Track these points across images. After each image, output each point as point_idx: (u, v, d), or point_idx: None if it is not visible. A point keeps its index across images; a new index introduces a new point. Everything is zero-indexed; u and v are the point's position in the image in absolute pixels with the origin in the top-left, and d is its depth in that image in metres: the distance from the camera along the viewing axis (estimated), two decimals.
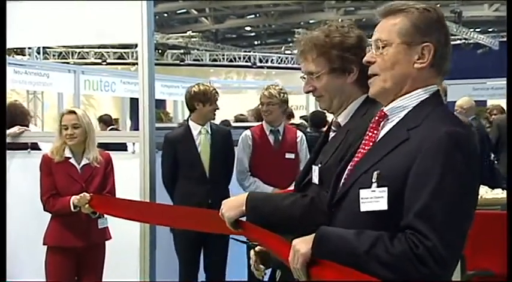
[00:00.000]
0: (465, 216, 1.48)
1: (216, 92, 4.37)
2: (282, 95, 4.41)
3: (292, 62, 19.50)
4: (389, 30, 1.63)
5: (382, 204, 1.52)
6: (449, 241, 1.43)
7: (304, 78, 2.07)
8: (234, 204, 1.96)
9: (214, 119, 4.56)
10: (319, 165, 1.97)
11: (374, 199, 1.54)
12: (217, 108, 4.38)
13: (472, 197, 1.52)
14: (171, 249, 4.33)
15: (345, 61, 1.98)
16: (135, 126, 11.74)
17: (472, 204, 1.52)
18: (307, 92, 2.08)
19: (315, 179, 1.99)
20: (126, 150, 6.39)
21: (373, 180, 1.55)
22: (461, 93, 10.43)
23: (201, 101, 4.27)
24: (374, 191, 1.54)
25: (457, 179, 1.45)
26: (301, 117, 9.65)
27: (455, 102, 6.77)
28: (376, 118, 1.69)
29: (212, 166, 4.30)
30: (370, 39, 1.79)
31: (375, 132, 1.68)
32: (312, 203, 1.89)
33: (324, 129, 2.32)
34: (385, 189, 1.52)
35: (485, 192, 3.77)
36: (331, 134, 2.09)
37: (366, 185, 1.56)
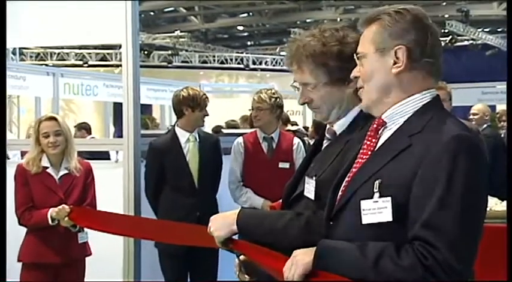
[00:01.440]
0: (476, 225, 1.50)
1: (206, 97, 4.37)
2: (273, 99, 4.41)
3: None
4: (364, 41, 1.70)
5: (386, 215, 1.53)
6: (460, 252, 1.44)
7: (297, 87, 2.06)
8: (224, 223, 1.96)
9: (203, 125, 4.56)
10: (315, 178, 1.96)
11: (377, 210, 1.54)
12: (207, 114, 4.38)
13: (482, 204, 1.54)
14: (157, 265, 4.32)
15: (344, 71, 1.95)
16: (118, 133, 11.71)
17: (482, 212, 1.53)
18: (303, 104, 2.07)
19: (309, 193, 1.97)
20: (108, 159, 6.39)
21: (375, 190, 1.56)
22: (468, 98, 10.50)
23: (190, 106, 4.27)
24: (376, 201, 1.55)
25: (466, 185, 1.47)
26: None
27: (465, 107, 6.86)
28: (374, 126, 1.71)
29: (201, 176, 4.30)
30: None
31: (373, 140, 1.70)
32: (307, 223, 1.88)
33: None
34: (389, 199, 1.53)
35: (494, 204, 3.78)
36: (325, 143, 2.09)
37: (367, 196, 1.57)
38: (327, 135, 2.08)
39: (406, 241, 1.49)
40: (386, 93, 1.67)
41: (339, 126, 2.05)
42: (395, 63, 1.64)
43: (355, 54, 1.73)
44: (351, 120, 2.04)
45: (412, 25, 1.65)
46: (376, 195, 1.55)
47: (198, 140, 4.36)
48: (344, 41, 2.00)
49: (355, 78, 1.74)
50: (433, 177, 1.48)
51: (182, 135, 4.33)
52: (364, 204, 1.57)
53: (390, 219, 1.52)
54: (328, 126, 2.10)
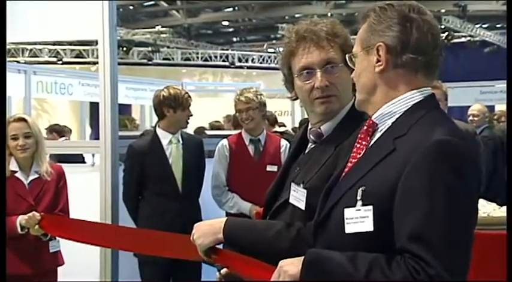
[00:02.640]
0: (464, 233, 1.50)
1: (189, 96, 4.36)
2: (259, 97, 4.43)
3: (275, 62, 19.57)
4: (356, 40, 1.74)
5: (367, 225, 1.54)
6: (452, 265, 1.44)
7: (311, 70, 2.00)
8: (208, 230, 1.94)
9: (186, 127, 4.56)
10: (302, 185, 1.95)
11: (359, 219, 1.55)
12: (191, 115, 4.37)
13: (469, 212, 1.53)
14: (137, 275, 4.30)
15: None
16: (95, 135, 11.67)
17: (470, 221, 1.53)
18: (324, 87, 1.99)
19: (297, 202, 1.96)
20: (84, 162, 6.35)
21: (358, 198, 1.56)
22: (465, 98, 10.55)
23: (172, 106, 4.26)
24: (359, 209, 1.56)
25: (449, 194, 1.46)
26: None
27: (462, 107, 6.90)
28: (365, 127, 1.71)
29: (185, 180, 4.29)
30: (354, 37, 1.83)
31: (364, 143, 1.70)
32: (298, 236, 1.86)
33: None
34: (370, 207, 1.54)
35: (492, 210, 3.80)
36: (310, 145, 2.08)
37: (351, 204, 1.58)
38: (311, 137, 2.06)
39: (390, 251, 1.49)
40: (373, 93, 1.69)
41: (327, 128, 2.04)
42: (378, 61, 1.66)
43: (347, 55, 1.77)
44: (338, 122, 2.03)
45: (395, 21, 1.65)
46: (359, 203, 1.56)
47: (181, 141, 4.35)
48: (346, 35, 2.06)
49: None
50: (415, 186, 1.48)
51: (164, 137, 4.31)
52: (348, 212, 1.58)
53: (371, 229, 1.53)
54: (310, 126, 2.09)
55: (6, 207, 3.57)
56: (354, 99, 2.04)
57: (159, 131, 4.34)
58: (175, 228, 3.06)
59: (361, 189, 1.57)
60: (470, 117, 7.06)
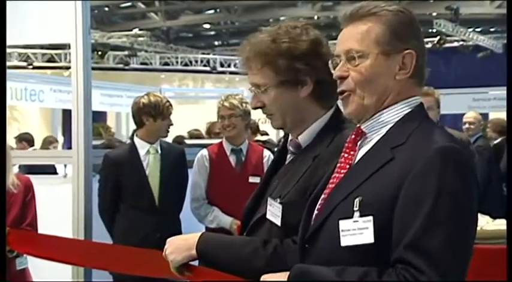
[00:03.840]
0: (464, 245, 1.51)
1: (170, 104, 4.37)
2: (244, 105, 4.44)
3: None
4: (362, 38, 1.67)
5: (368, 237, 1.53)
6: (447, 275, 1.45)
7: (252, 91, 2.06)
8: (182, 245, 1.94)
9: (166, 136, 4.55)
10: (279, 200, 1.95)
11: (357, 231, 1.54)
12: (171, 124, 4.37)
13: (471, 223, 1.55)
14: None
15: (295, 72, 1.97)
16: (67, 145, 11.59)
17: (471, 232, 1.55)
18: (255, 108, 2.07)
19: (273, 217, 1.96)
20: (55, 173, 6.31)
21: (355, 209, 1.56)
22: (458, 105, 10.63)
23: (152, 115, 4.26)
24: (357, 221, 1.55)
25: (453, 203, 1.48)
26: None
27: (455, 115, 6.93)
28: (353, 136, 1.72)
29: (162, 193, 4.29)
30: (333, 41, 1.82)
31: (352, 153, 1.71)
32: (274, 254, 1.87)
33: None
34: (370, 218, 1.53)
35: (486, 223, 3.83)
36: (289, 157, 2.09)
37: (347, 215, 1.57)
38: (290, 148, 2.08)
39: (389, 265, 1.49)
40: (382, 100, 1.68)
41: (304, 139, 2.05)
42: (400, 68, 1.66)
43: (344, 52, 1.69)
44: (317, 131, 2.04)
45: (414, 28, 1.70)
46: (356, 214, 1.55)
47: (159, 152, 4.34)
48: (297, 39, 2.00)
49: (340, 79, 1.70)
50: (417, 195, 1.49)
51: (142, 147, 4.31)
52: (343, 224, 1.57)
53: (372, 240, 1.53)
54: (290, 137, 2.10)
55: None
56: (336, 107, 2.06)
57: (136, 141, 4.33)
58: (152, 244, 3.05)
59: (358, 199, 1.56)
60: (467, 125, 7.07)
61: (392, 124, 1.66)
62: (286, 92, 2.00)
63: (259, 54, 1.99)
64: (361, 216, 1.55)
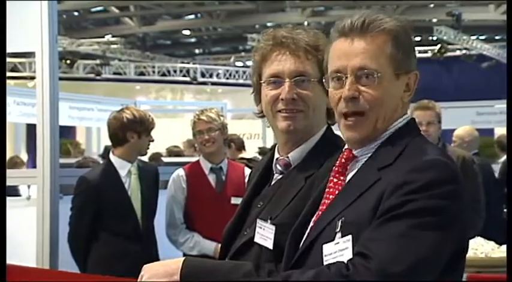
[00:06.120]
0: (413, 260, 1.50)
1: (153, 119, 4.36)
2: (221, 118, 4.45)
3: (244, 77, 19.69)
4: (377, 55, 1.68)
5: (347, 256, 1.56)
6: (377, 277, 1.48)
7: (272, 83, 2.04)
8: (162, 271, 1.91)
9: (146, 153, 4.54)
10: (270, 221, 1.95)
11: (338, 253, 1.58)
12: (152, 140, 4.36)
13: (436, 241, 1.54)
14: None
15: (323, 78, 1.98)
16: (32, 163, 11.53)
17: (435, 250, 1.54)
18: (291, 100, 2.02)
19: (263, 240, 1.96)
20: (18, 195, 6.26)
21: (337, 230, 1.60)
22: (461, 119, 10.64)
23: (137, 131, 4.23)
24: (338, 243, 1.59)
25: (415, 219, 1.51)
26: (259, 148, 9.64)
27: (453, 131, 6.91)
28: (343, 161, 1.74)
29: (145, 217, 4.29)
30: None
31: (341, 178, 1.73)
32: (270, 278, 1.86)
33: None
34: (349, 237, 1.57)
35: (491, 250, 3.83)
36: (276, 176, 2.09)
37: (330, 238, 1.61)
38: (278, 167, 2.08)
39: None
40: (389, 121, 1.71)
41: (295, 157, 2.05)
42: (407, 90, 1.72)
43: (358, 69, 1.69)
44: (308, 150, 2.05)
45: (413, 41, 1.76)
46: (338, 235, 1.60)
47: (138, 172, 4.32)
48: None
49: (352, 99, 1.69)
50: (391, 204, 1.53)
51: (121, 167, 4.27)
52: (326, 248, 1.61)
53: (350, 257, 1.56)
54: (277, 155, 2.10)
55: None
56: (328, 126, 2.08)
57: (114, 159, 4.28)
58: (137, 273, 3.04)
59: (340, 220, 1.60)
60: (460, 142, 6.92)
61: (380, 143, 1.69)
62: (321, 94, 2.01)
63: (316, 48, 2.04)
64: (342, 236, 1.59)
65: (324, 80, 1.80)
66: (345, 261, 1.53)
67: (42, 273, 3.16)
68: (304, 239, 1.72)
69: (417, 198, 1.52)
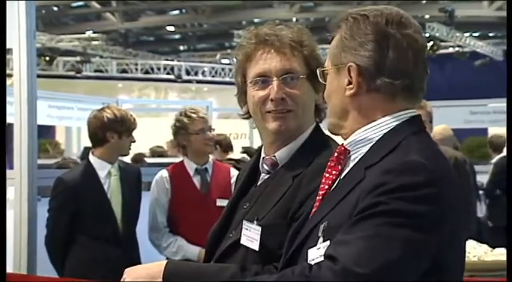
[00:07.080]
0: (379, 262, 1.49)
1: (135, 119, 4.36)
2: (206, 116, 4.48)
3: (230, 75, 19.68)
4: (328, 55, 1.76)
5: None
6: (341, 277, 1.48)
7: (259, 83, 2.05)
8: (144, 275, 1.93)
9: (128, 154, 4.53)
10: (256, 222, 1.96)
11: (320, 258, 1.57)
12: (134, 141, 4.35)
13: (408, 246, 1.52)
14: None
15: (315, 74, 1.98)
16: (9, 164, 11.50)
17: (404, 255, 1.52)
18: (280, 99, 2.02)
19: (249, 242, 1.97)
20: None
21: (319, 235, 1.61)
22: (454, 119, 10.69)
23: (118, 131, 4.22)
24: (319, 248, 1.59)
25: (384, 221, 1.50)
26: (243, 148, 9.65)
27: (454, 130, 6.93)
28: (336, 155, 1.74)
29: (126, 220, 4.29)
30: (326, 46, 1.85)
31: (334, 172, 1.73)
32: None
33: None
34: (328, 242, 1.57)
35: (483, 253, 3.84)
36: (263, 176, 2.10)
37: (315, 243, 1.62)
38: (264, 166, 2.09)
39: None
40: (344, 118, 1.72)
41: (282, 156, 2.06)
42: (349, 83, 1.69)
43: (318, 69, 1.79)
44: (296, 148, 2.06)
45: (370, 37, 1.67)
46: (320, 240, 1.60)
47: (119, 173, 4.31)
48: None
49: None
50: (362, 208, 1.53)
51: (101, 168, 4.26)
52: (311, 253, 1.62)
53: None
54: (263, 154, 2.11)
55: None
56: (316, 124, 2.09)
57: (93, 160, 4.27)
58: (119, 277, 3.04)
59: (323, 225, 1.61)
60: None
61: (373, 142, 1.68)
62: (312, 92, 2.06)
63: (301, 43, 2.07)
64: (323, 241, 1.59)
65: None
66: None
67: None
68: (294, 242, 1.73)
69: (389, 200, 1.51)
